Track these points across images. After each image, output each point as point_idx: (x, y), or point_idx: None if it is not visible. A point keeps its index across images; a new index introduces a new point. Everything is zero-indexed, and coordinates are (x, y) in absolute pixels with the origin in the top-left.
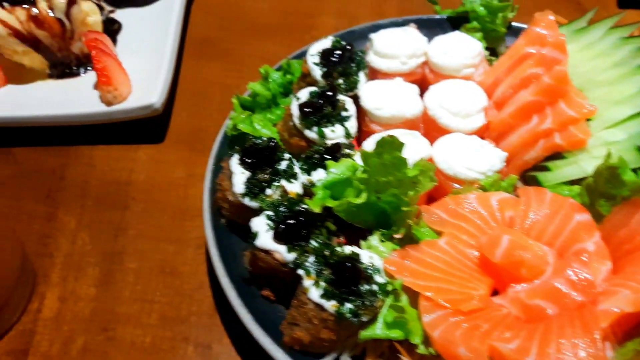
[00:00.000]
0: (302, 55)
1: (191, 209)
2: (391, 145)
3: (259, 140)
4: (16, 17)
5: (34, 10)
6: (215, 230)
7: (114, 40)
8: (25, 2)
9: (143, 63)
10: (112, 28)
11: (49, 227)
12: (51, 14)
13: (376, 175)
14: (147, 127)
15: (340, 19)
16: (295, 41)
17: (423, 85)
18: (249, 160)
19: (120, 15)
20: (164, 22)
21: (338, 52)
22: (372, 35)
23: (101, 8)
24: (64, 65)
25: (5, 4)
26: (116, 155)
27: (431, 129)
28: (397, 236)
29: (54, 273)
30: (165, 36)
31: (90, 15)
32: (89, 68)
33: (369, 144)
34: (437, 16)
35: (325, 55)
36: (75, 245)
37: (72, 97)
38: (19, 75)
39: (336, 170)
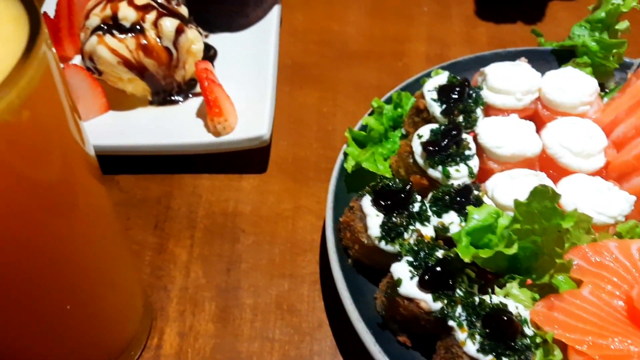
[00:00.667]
0: (408, 88)
1: (301, 243)
2: (544, 195)
3: (392, 182)
4: (126, 45)
5: (143, 39)
6: (343, 271)
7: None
8: (135, 30)
9: (244, 90)
10: (208, 54)
11: (160, 259)
12: (159, 43)
13: (524, 224)
14: (249, 156)
15: (431, 45)
16: (386, 68)
17: (535, 121)
18: (383, 203)
19: (214, 40)
20: (262, 48)
21: (457, 88)
22: (486, 70)
23: (199, 34)
24: (166, 92)
25: (115, 33)
26: (220, 184)
27: (548, 167)
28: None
29: (170, 307)
30: (266, 62)
31: (194, 43)
32: (190, 95)
33: (492, 184)
34: (541, 48)
35: (444, 91)
36: (189, 279)
37: (176, 126)
38: (120, 101)
39: (478, 216)
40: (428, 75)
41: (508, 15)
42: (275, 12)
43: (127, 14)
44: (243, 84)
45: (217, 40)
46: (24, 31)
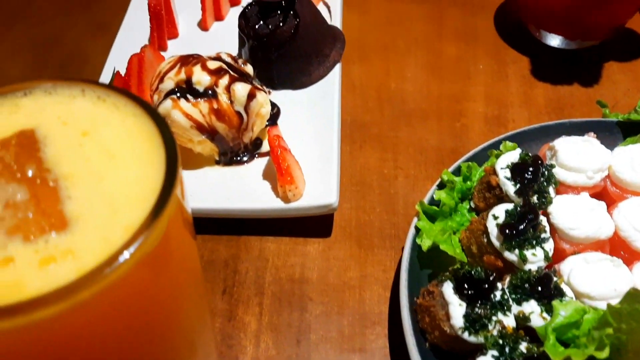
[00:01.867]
0: (475, 158)
1: (370, 315)
2: (636, 299)
3: (475, 271)
4: (199, 110)
5: (216, 104)
6: (421, 354)
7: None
8: (208, 95)
9: (309, 151)
10: (272, 112)
11: (230, 326)
12: (232, 107)
13: (614, 325)
14: (314, 219)
15: (489, 105)
16: (445, 128)
17: (604, 198)
18: (466, 291)
19: (277, 97)
20: (325, 107)
21: (531, 168)
22: (556, 146)
23: (263, 91)
24: (233, 152)
25: (189, 97)
26: (286, 248)
27: (620, 248)
28: None
29: None
30: (330, 124)
31: (263, 106)
32: (256, 155)
33: (567, 269)
34: (607, 120)
35: (518, 170)
36: (259, 349)
37: (244, 188)
38: (187, 159)
39: (564, 312)
40: (494, 146)
41: (564, 76)
42: (337, 71)
43: (201, 79)
44: (307, 144)
45: (280, 96)
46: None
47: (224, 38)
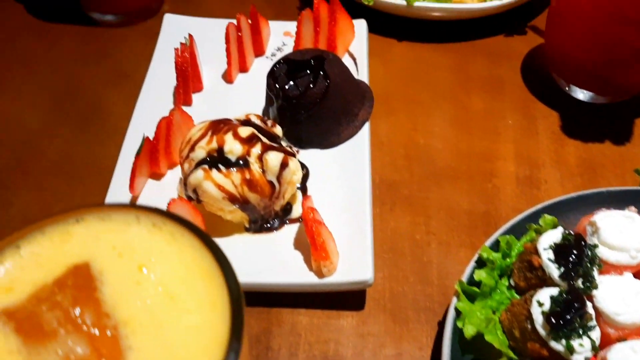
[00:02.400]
0: (513, 231)
1: None
2: None
3: None
4: (232, 180)
5: (249, 174)
6: None
7: (304, 189)
8: (241, 165)
9: (339, 218)
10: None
11: None
12: (264, 177)
13: None
14: (346, 292)
15: (520, 165)
16: (476, 189)
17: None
18: None
19: (305, 156)
20: (355, 169)
21: (575, 250)
22: (598, 223)
23: (293, 154)
24: (263, 219)
25: (221, 167)
26: (319, 322)
27: None
28: None
29: None
30: (362, 189)
31: (295, 173)
32: (286, 222)
33: (615, 357)
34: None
35: (562, 252)
36: None
37: (276, 259)
38: (217, 226)
39: None
40: (532, 218)
41: (594, 132)
42: (366, 130)
43: (233, 148)
44: (338, 210)
45: (308, 156)
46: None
47: (249, 90)
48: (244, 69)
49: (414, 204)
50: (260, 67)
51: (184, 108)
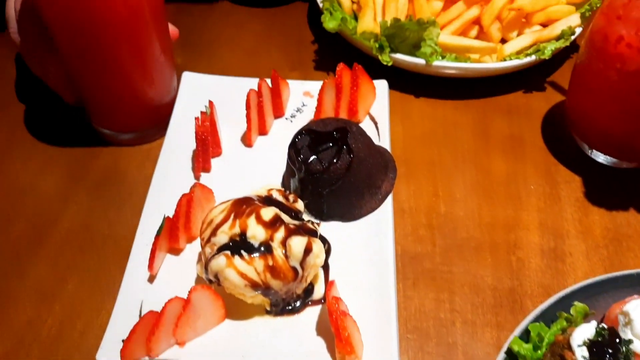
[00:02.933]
0: (542, 317)
1: None
2: None
3: None
4: (254, 268)
5: (272, 260)
6: None
7: (326, 268)
8: (263, 250)
9: (362, 299)
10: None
11: None
12: (287, 263)
13: None
14: None
15: (544, 235)
16: (500, 262)
17: None
18: None
19: (326, 228)
20: (378, 246)
21: (610, 347)
22: (630, 314)
23: (315, 232)
24: (285, 302)
25: (244, 253)
26: None
27: None
28: None
29: None
30: (385, 270)
31: (318, 256)
32: (309, 303)
33: None
34: None
35: (596, 350)
36: None
37: (299, 345)
38: (237, 308)
39: None
40: (561, 303)
41: (619, 198)
42: (389, 203)
43: (256, 233)
44: (362, 289)
45: (330, 228)
46: None
47: (268, 153)
48: (263, 132)
49: (437, 279)
50: (280, 129)
51: (203, 175)
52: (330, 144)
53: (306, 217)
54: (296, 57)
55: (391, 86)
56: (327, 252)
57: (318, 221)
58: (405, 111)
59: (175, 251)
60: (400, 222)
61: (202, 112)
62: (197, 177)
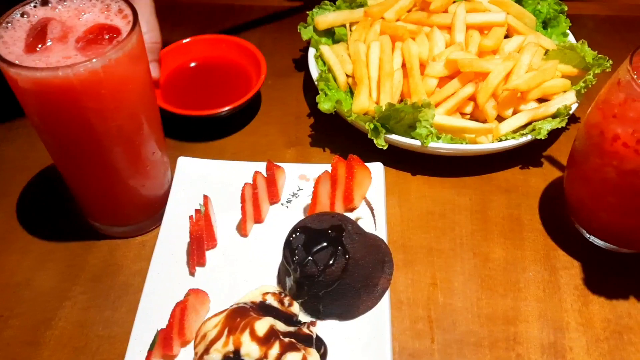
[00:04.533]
0: None
1: None
2: None
3: None
4: None
5: None
6: None
7: None
8: None
9: None
10: (319, 353)
11: None
12: None
13: None
14: None
15: (543, 329)
16: None
17: None
18: None
19: (322, 328)
20: (376, 345)
21: None
22: None
23: (310, 339)
24: None
25: None
26: None
27: None
28: None
29: None
30: None
31: None
32: None
33: None
34: None
35: None
36: None
37: None
38: None
39: None
40: None
41: (619, 286)
42: (386, 301)
43: (250, 351)
44: None
45: (326, 327)
46: None
47: (264, 242)
48: (258, 220)
49: None
50: (276, 215)
51: (198, 270)
52: (326, 244)
53: (303, 316)
54: (293, 133)
55: (388, 164)
56: (324, 355)
57: (314, 319)
58: (403, 191)
59: (169, 357)
60: (398, 315)
61: (196, 211)
62: (191, 273)
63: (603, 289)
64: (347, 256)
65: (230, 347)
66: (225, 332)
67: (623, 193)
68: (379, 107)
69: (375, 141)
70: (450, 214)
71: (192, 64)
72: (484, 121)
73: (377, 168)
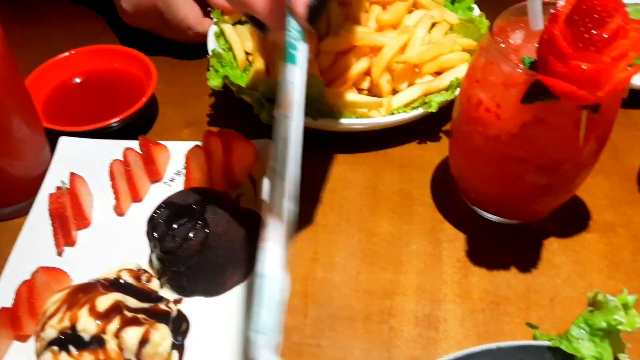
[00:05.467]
0: None
1: None
2: None
3: None
4: None
5: (102, 354)
6: None
7: (181, 349)
8: (95, 344)
9: None
10: (180, 329)
11: None
12: (121, 355)
13: None
14: None
15: (420, 301)
16: (373, 333)
17: None
18: None
19: (188, 305)
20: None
21: None
22: None
23: (166, 315)
24: None
25: (72, 349)
26: None
27: None
28: None
29: None
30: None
31: (161, 344)
32: None
33: None
34: (537, 343)
35: None
36: None
37: None
38: None
39: None
40: None
41: (501, 257)
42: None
43: (86, 326)
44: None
45: (192, 305)
46: None
47: (140, 221)
48: (137, 199)
49: (303, 354)
50: (157, 194)
51: (67, 250)
52: (187, 219)
53: (167, 293)
54: (191, 113)
55: None
56: (185, 332)
57: (181, 296)
58: None
59: (23, 338)
60: None
61: (58, 188)
62: (59, 253)
63: (485, 260)
64: (206, 230)
65: (67, 323)
66: (63, 309)
67: (490, 161)
68: (264, 82)
69: (260, 116)
70: (340, 189)
71: (77, 79)
72: (381, 96)
73: (264, 144)
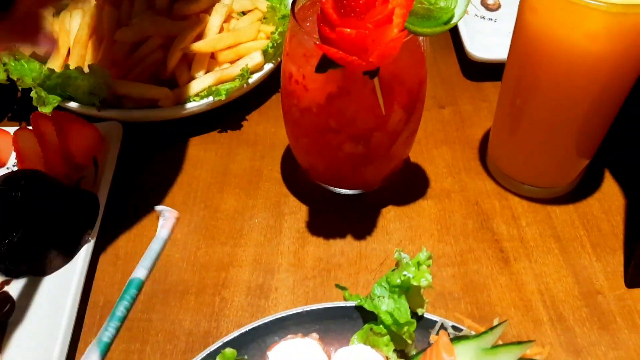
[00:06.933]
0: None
1: None
2: None
3: None
4: None
5: None
6: None
7: (4, 327)
8: None
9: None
10: (3, 310)
11: None
12: None
13: None
14: None
15: (255, 271)
16: (204, 305)
17: None
18: None
19: (16, 286)
20: (62, 299)
21: None
22: (270, 357)
23: None
24: None
25: None
26: None
27: None
28: None
29: None
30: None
31: None
32: None
33: None
34: (345, 304)
35: None
36: None
37: None
38: None
39: None
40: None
41: (340, 226)
42: (87, 254)
43: None
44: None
45: (19, 285)
46: None
47: None
48: None
49: (133, 329)
50: None
51: None
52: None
53: None
54: None
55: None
56: (9, 312)
57: (9, 278)
58: (149, 154)
59: None
60: (111, 269)
61: None
62: None
63: (323, 230)
64: (20, 213)
65: None
66: None
67: (309, 133)
68: (43, 74)
69: (39, 108)
70: (191, 169)
71: None
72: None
73: (111, 127)
